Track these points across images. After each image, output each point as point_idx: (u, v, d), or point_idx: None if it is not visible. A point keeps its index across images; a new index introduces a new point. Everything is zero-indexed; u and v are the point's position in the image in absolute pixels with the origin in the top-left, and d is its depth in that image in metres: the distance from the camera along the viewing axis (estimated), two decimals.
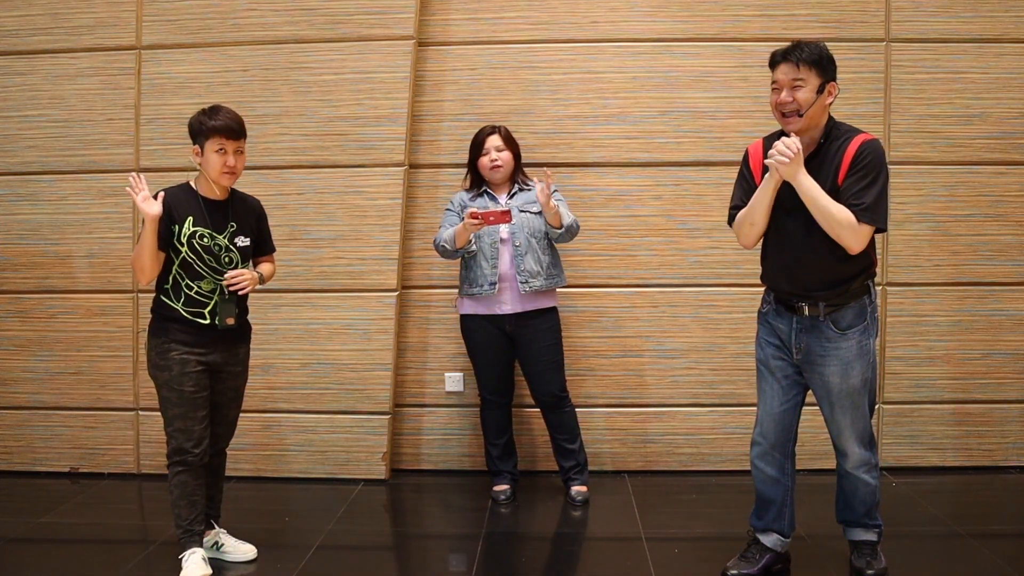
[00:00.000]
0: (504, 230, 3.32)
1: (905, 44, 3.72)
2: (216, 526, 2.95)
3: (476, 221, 3.14)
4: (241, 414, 3.75)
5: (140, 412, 3.80)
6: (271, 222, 3.69)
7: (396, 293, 3.74)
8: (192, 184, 2.82)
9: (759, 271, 2.73)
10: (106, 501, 3.53)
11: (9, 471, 3.84)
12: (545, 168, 3.29)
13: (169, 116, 3.68)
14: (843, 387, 2.59)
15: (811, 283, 2.57)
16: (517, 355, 3.43)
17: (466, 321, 3.43)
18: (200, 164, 2.77)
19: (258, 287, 2.89)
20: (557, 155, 3.70)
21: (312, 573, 2.84)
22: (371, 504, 3.54)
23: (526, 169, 3.51)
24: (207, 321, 2.75)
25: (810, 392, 2.72)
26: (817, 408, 2.73)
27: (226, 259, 2.78)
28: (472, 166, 3.45)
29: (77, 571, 2.88)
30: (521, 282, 3.29)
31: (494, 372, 3.44)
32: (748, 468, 2.81)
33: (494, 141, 3.38)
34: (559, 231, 3.29)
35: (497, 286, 3.31)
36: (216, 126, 2.71)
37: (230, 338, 2.82)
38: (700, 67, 3.74)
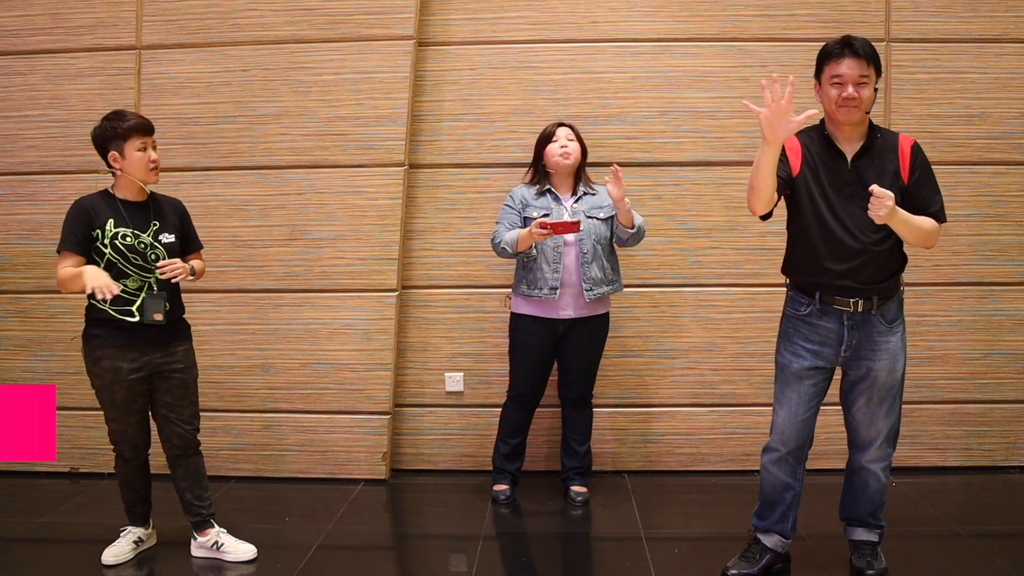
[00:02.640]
0: (570, 235, 3.28)
1: (905, 44, 3.72)
2: (215, 525, 2.96)
3: (545, 231, 3.09)
4: (241, 414, 3.77)
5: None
6: (271, 222, 3.72)
7: (396, 293, 3.74)
8: (110, 190, 2.84)
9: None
10: (106, 501, 3.53)
11: (9, 471, 3.84)
12: (614, 164, 3.24)
13: (169, 116, 3.68)
14: (889, 380, 2.61)
15: (873, 277, 2.56)
16: (560, 353, 3.40)
17: (517, 320, 3.39)
18: (121, 169, 2.77)
19: (195, 280, 2.94)
20: None
21: (312, 573, 2.84)
22: (371, 504, 3.54)
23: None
24: (136, 319, 2.75)
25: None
26: (821, 408, 2.73)
27: (152, 256, 2.80)
28: (537, 159, 3.40)
29: (77, 571, 2.88)
30: (586, 289, 3.26)
31: (531, 375, 3.42)
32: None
33: (564, 132, 3.35)
34: (630, 231, 3.25)
35: (558, 291, 3.27)
36: (133, 125, 2.76)
37: (163, 338, 2.83)
38: (700, 67, 3.74)
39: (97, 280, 2.62)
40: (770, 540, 2.76)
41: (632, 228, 3.25)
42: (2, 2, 3.78)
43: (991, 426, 3.79)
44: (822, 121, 2.65)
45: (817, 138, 2.61)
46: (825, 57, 2.56)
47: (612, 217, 3.33)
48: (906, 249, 2.64)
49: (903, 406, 3.82)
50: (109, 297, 2.62)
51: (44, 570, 2.89)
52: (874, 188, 2.39)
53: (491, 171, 3.75)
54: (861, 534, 2.75)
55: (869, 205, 2.40)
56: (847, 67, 2.49)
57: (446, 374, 3.83)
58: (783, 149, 2.59)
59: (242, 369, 3.75)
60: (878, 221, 2.41)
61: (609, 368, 3.79)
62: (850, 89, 2.49)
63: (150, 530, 3.03)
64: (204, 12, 3.72)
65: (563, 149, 3.32)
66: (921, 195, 2.54)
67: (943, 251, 3.74)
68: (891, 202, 2.38)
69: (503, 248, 3.29)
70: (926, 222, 2.52)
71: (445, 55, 3.78)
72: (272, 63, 3.71)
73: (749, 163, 3.68)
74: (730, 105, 3.73)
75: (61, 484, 3.75)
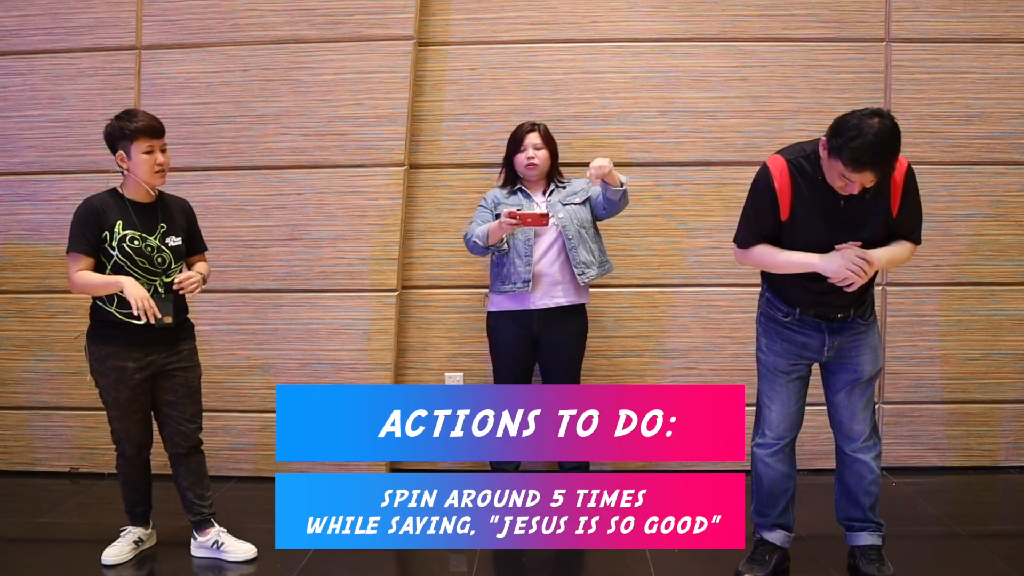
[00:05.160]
0: (547, 226, 3.23)
1: (905, 44, 3.72)
2: (215, 524, 2.96)
3: (514, 221, 3.09)
4: (241, 414, 3.77)
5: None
6: (271, 222, 3.72)
7: (396, 293, 3.74)
8: (119, 189, 2.83)
9: (758, 271, 2.73)
10: (106, 501, 3.53)
11: (9, 471, 3.84)
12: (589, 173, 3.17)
13: (169, 116, 3.62)
14: (872, 371, 2.67)
15: (851, 298, 2.59)
16: (539, 353, 3.39)
17: (493, 319, 3.37)
18: (127, 169, 2.77)
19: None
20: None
21: (312, 573, 2.84)
22: None
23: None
24: (142, 322, 2.72)
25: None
26: (818, 408, 2.73)
27: (159, 259, 2.80)
28: (508, 162, 3.39)
29: (77, 571, 2.88)
30: (579, 273, 3.25)
31: (513, 374, 3.39)
32: (751, 468, 2.80)
33: (533, 139, 3.32)
34: (621, 189, 3.19)
35: (531, 283, 3.27)
36: (140, 127, 2.74)
37: (170, 338, 2.84)
38: (700, 67, 3.74)
39: (141, 301, 2.64)
40: (775, 536, 2.77)
41: (622, 186, 3.21)
42: (2, 2, 3.78)
43: (991, 426, 3.79)
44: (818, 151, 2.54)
45: (810, 169, 2.51)
46: (845, 151, 2.31)
47: (588, 199, 3.32)
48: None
49: (902, 406, 3.85)
50: (153, 321, 2.67)
51: (44, 570, 2.89)
52: (860, 252, 2.46)
53: (491, 171, 3.74)
54: (865, 538, 2.73)
55: (852, 272, 2.43)
56: (864, 179, 2.36)
57: (446, 374, 3.83)
58: (774, 191, 2.53)
59: (242, 369, 3.75)
60: (853, 289, 2.48)
61: (609, 368, 3.79)
62: (856, 189, 2.41)
63: (150, 530, 3.03)
64: (204, 12, 3.73)
65: (530, 160, 3.30)
66: (906, 223, 2.56)
67: (943, 251, 3.74)
68: (864, 277, 2.45)
69: (474, 242, 3.27)
70: (902, 251, 2.58)
71: (445, 55, 3.78)
72: (272, 63, 3.71)
73: (749, 163, 3.70)
74: (730, 105, 3.73)
75: (61, 484, 3.75)
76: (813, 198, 2.50)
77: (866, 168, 2.32)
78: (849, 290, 2.47)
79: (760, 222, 2.58)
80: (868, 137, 2.28)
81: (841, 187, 2.42)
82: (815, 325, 2.64)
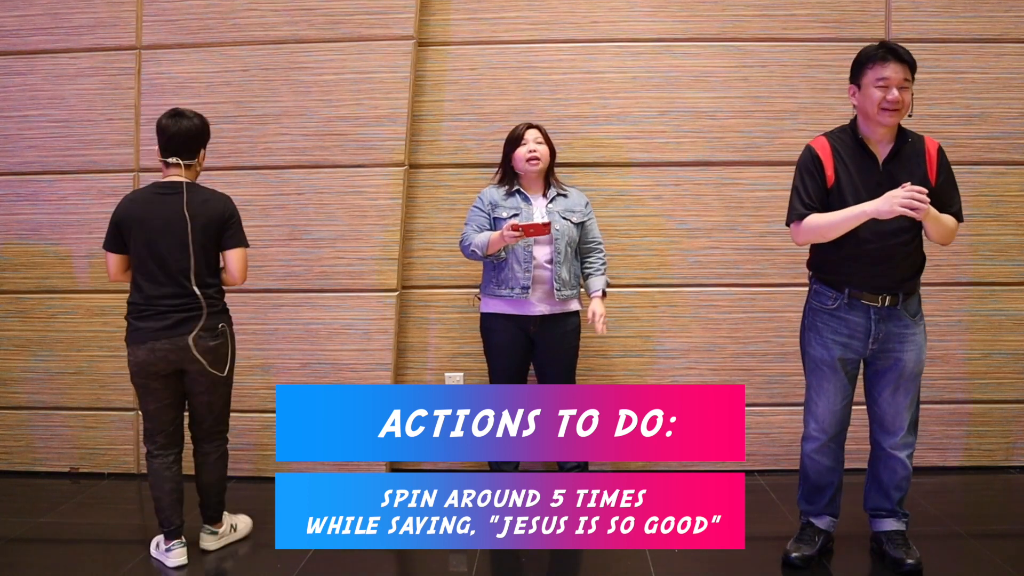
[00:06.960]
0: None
1: (905, 44, 3.69)
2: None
3: (517, 234, 3.09)
4: (241, 414, 3.78)
5: (140, 412, 3.79)
6: (271, 222, 3.72)
7: (396, 293, 3.74)
8: None
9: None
10: (106, 501, 3.53)
11: (9, 471, 3.84)
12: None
13: None
14: (915, 369, 2.70)
15: (902, 275, 2.65)
16: (535, 355, 3.39)
17: (488, 320, 3.36)
18: None
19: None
20: (557, 155, 3.69)
21: (312, 573, 2.84)
22: None
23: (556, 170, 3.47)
24: None
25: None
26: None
27: None
28: (506, 161, 3.38)
29: (77, 571, 2.88)
30: (556, 289, 3.26)
31: (509, 375, 3.39)
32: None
33: (533, 134, 3.33)
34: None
35: (530, 290, 3.26)
36: None
37: None
38: (700, 67, 3.74)
39: None
40: (823, 522, 2.84)
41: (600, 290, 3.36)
42: (2, 2, 3.78)
43: (991, 426, 3.79)
44: (853, 123, 2.70)
45: (849, 140, 2.68)
46: (868, 60, 2.61)
47: (583, 223, 3.35)
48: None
49: None
50: None
51: (44, 570, 2.89)
52: (911, 186, 2.47)
53: (491, 171, 3.73)
54: (891, 524, 2.80)
55: (905, 206, 2.45)
56: (892, 71, 2.56)
57: (446, 374, 3.83)
58: (818, 158, 2.66)
59: (242, 369, 3.73)
60: (919, 218, 2.48)
61: (609, 368, 3.79)
62: (895, 92, 2.55)
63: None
64: (204, 12, 3.73)
65: (531, 154, 3.29)
66: (945, 196, 2.64)
67: (943, 251, 3.73)
68: (924, 209, 2.46)
69: (472, 251, 3.27)
70: (950, 219, 2.64)
71: (445, 55, 3.78)
72: (272, 63, 3.71)
73: (749, 163, 3.71)
74: (730, 105, 3.73)
75: (61, 484, 3.75)
76: (854, 162, 2.64)
77: (889, 57, 2.56)
78: (919, 217, 2.46)
79: (808, 191, 2.66)
80: (879, 43, 2.64)
81: (881, 100, 2.55)
82: (863, 310, 2.67)
